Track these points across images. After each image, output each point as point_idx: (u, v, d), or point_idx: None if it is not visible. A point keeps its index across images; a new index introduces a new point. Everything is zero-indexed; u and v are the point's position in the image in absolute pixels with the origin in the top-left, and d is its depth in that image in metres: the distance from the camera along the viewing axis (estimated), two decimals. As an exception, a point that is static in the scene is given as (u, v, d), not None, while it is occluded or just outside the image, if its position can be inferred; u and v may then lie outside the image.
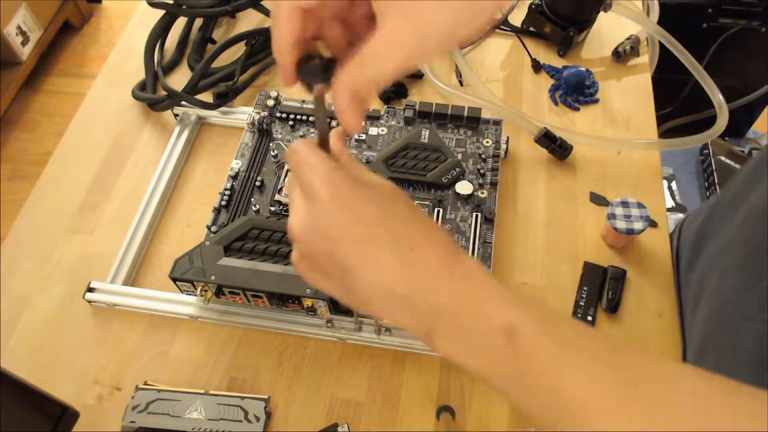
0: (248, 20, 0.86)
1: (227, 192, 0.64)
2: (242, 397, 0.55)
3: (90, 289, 0.62)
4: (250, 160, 0.66)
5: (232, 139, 0.73)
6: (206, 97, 0.74)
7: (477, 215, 0.62)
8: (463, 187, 0.63)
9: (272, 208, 0.63)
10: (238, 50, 0.79)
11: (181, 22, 0.83)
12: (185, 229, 0.67)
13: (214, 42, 0.83)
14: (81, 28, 2.07)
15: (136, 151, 0.74)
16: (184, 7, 0.78)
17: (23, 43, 1.79)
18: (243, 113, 0.74)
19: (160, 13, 0.81)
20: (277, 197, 0.63)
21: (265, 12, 0.80)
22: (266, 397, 0.55)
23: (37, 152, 1.77)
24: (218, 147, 0.74)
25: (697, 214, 0.67)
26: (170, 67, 0.80)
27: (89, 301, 0.62)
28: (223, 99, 0.74)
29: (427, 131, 0.67)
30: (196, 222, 0.67)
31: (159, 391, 0.55)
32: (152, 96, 0.75)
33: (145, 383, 0.57)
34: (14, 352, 0.60)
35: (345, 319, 0.58)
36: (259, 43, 0.80)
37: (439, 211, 0.62)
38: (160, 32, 0.81)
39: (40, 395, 0.48)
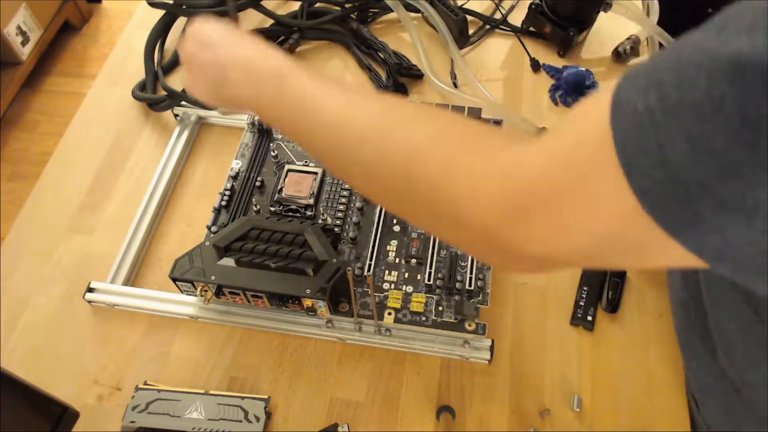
0: (248, 21, 0.86)
1: (227, 192, 0.64)
2: (242, 397, 0.55)
3: (90, 289, 0.62)
4: (250, 160, 0.66)
5: (232, 139, 0.73)
6: (206, 97, 0.74)
7: None
8: None
9: (272, 208, 0.63)
10: (238, 50, 0.79)
11: (181, 22, 0.83)
12: (185, 229, 0.67)
13: (214, 42, 0.83)
14: (81, 28, 2.07)
15: (136, 151, 0.74)
16: (184, 6, 0.78)
17: (23, 43, 1.79)
18: (243, 113, 0.74)
19: (160, 13, 0.81)
20: (277, 197, 0.63)
21: (266, 12, 0.80)
22: (266, 397, 0.55)
23: (37, 152, 1.77)
24: (218, 147, 0.74)
25: None
26: (170, 67, 0.80)
27: (89, 301, 0.62)
28: (223, 99, 0.74)
29: None
30: (196, 222, 0.67)
31: (159, 391, 0.55)
32: (152, 96, 0.75)
33: (145, 383, 0.57)
34: (14, 352, 0.60)
35: (345, 320, 0.58)
36: (259, 43, 0.80)
37: None
38: (160, 32, 0.81)
39: (40, 395, 0.48)
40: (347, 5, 0.83)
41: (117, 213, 0.69)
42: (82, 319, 0.62)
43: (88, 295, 0.61)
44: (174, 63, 0.81)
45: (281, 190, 0.64)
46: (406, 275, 0.60)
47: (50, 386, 0.50)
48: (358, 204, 0.64)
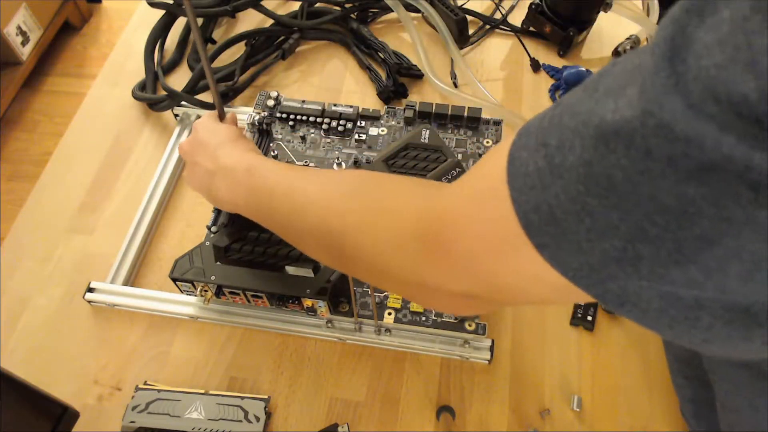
0: (248, 20, 0.86)
1: None
2: (242, 397, 0.55)
3: (90, 289, 0.62)
4: (250, 160, 0.66)
5: (232, 139, 0.73)
6: (206, 97, 0.74)
7: None
8: None
9: None
10: (238, 50, 0.79)
11: (181, 22, 0.83)
12: (185, 229, 0.67)
13: (214, 42, 0.83)
14: (81, 28, 2.07)
15: (136, 151, 0.74)
16: (183, 6, 0.78)
17: (23, 43, 1.79)
18: (243, 113, 0.74)
19: (160, 13, 0.81)
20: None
21: (266, 12, 0.80)
22: (266, 397, 0.55)
23: (37, 152, 1.77)
24: (218, 147, 0.74)
25: None
26: (170, 67, 0.80)
27: (89, 301, 0.62)
28: (223, 99, 0.74)
29: (428, 131, 0.67)
30: (196, 222, 0.67)
31: (159, 391, 0.55)
32: (152, 96, 0.75)
33: (145, 383, 0.57)
34: (14, 352, 0.60)
35: (345, 320, 0.58)
36: (259, 43, 0.80)
37: None
38: (160, 32, 0.81)
39: (40, 395, 0.48)
40: (347, 5, 0.83)
41: (117, 213, 0.69)
42: (82, 319, 0.62)
43: (88, 295, 0.61)
44: (174, 63, 0.81)
45: None
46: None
47: (50, 386, 0.50)
48: None
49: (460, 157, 0.66)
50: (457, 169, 0.64)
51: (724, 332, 0.26)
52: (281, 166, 0.49)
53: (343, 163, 0.66)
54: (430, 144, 0.66)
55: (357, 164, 0.66)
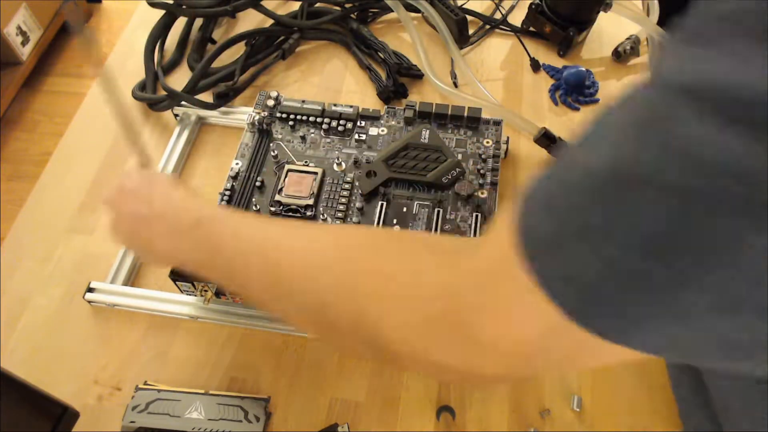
0: (248, 20, 0.86)
1: (227, 192, 0.64)
2: (242, 397, 0.55)
3: (90, 290, 0.62)
4: (250, 160, 0.66)
5: (233, 140, 0.73)
6: (206, 97, 0.74)
7: (477, 215, 0.62)
8: (463, 188, 0.63)
9: (272, 209, 0.63)
10: (238, 50, 0.79)
11: (181, 22, 0.83)
12: (185, 229, 0.67)
13: (214, 42, 0.83)
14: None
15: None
16: (184, 7, 0.78)
17: (23, 43, 1.79)
18: (243, 113, 0.74)
19: (160, 13, 0.81)
20: (277, 197, 0.63)
21: (266, 12, 0.80)
22: (266, 397, 0.55)
23: (37, 152, 1.77)
24: (218, 147, 0.74)
25: None
26: (170, 67, 0.80)
27: (89, 302, 0.62)
28: (223, 99, 0.74)
29: (428, 131, 0.67)
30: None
31: (159, 391, 0.55)
32: (152, 96, 0.75)
33: (145, 383, 0.57)
34: (14, 352, 0.60)
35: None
36: (259, 43, 0.80)
37: (439, 211, 0.62)
38: (160, 32, 0.81)
39: (40, 395, 0.48)
40: (347, 5, 0.83)
41: (117, 213, 0.68)
42: (82, 319, 0.62)
43: (88, 295, 0.61)
44: (174, 63, 0.81)
45: (281, 190, 0.64)
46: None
47: (50, 386, 0.50)
48: (358, 204, 0.64)
49: (460, 157, 0.66)
50: (457, 169, 0.64)
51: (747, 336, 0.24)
52: (241, 220, 0.44)
53: (343, 163, 0.66)
54: (430, 144, 0.66)
55: (357, 164, 0.66)
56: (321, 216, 0.63)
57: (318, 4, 0.83)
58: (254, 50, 0.79)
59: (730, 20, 0.21)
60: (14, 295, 0.63)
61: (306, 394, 0.57)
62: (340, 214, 0.63)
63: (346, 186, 0.65)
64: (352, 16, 0.84)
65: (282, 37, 0.82)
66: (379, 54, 0.80)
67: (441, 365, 0.32)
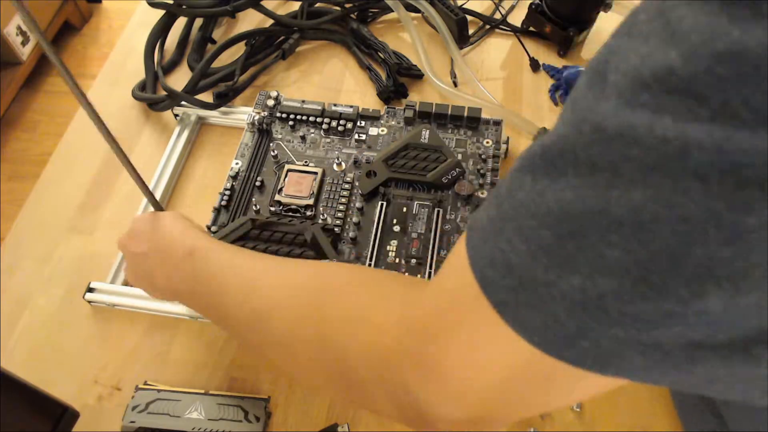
0: (248, 20, 0.86)
1: (227, 192, 0.64)
2: (242, 397, 0.55)
3: (90, 290, 0.62)
4: (250, 160, 0.66)
5: (232, 139, 0.73)
6: (206, 97, 0.74)
7: None
8: (463, 188, 0.63)
9: (272, 209, 0.63)
10: (238, 50, 0.79)
11: (181, 22, 0.83)
12: (185, 229, 0.67)
13: (214, 42, 0.83)
14: (81, 28, 2.07)
15: (136, 150, 0.74)
16: (184, 6, 0.78)
17: (23, 43, 1.79)
18: (243, 113, 0.74)
19: (161, 12, 0.81)
20: (277, 197, 0.63)
21: (265, 12, 0.80)
22: (266, 397, 0.55)
23: (38, 152, 1.77)
24: (218, 147, 0.74)
25: None
26: (170, 67, 0.80)
27: (89, 302, 0.62)
28: (223, 99, 0.74)
29: (428, 131, 0.67)
30: (196, 222, 0.67)
31: (159, 391, 0.55)
32: (152, 96, 0.75)
33: (145, 383, 0.57)
34: (14, 352, 0.60)
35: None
36: (259, 43, 0.80)
37: (439, 211, 0.62)
38: (160, 32, 0.81)
39: (40, 395, 0.48)
40: (347, 5, 0.83)
41: (117, 213, 0.69)
42: (82, 319, 0.62)
43: (88, 295, 0.61)
44: (174, 63, 0.81)
45: (281, 190, 0.64)
46: (406, 275, 0.60)
47: (50, 386, 0.50)
48: (358, 204, 0.64)
49: (459, 157, 0.66)
50: (457, 169, 0.64)
51: (725, 372, 0.22)
52: (231, 252, 0.45)
53: (343, 163, 0.66)
54: (430, 144, 0.66)
55: (357, 164, 0.66)
56: (321, 216, 0.63)
57: (318, 4, 0.83)
58: (254, 50, 0.79)
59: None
60: (14, 295, 0.63)
61: (306, 393, 0.57)
62: (340, 215, 0.63)
63: (346, 186, 0.65)
64: (352, 16, 0.84)
65: (282, 37, 0.82)
66: (379, 54, 0.80)
67: (401, 398, 0.31)
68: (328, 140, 0.69)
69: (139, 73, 0.79)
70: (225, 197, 0.64)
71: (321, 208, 0.64)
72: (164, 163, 0.70)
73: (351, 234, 0.62)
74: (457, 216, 0.63)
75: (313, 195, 0.63)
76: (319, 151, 0.68)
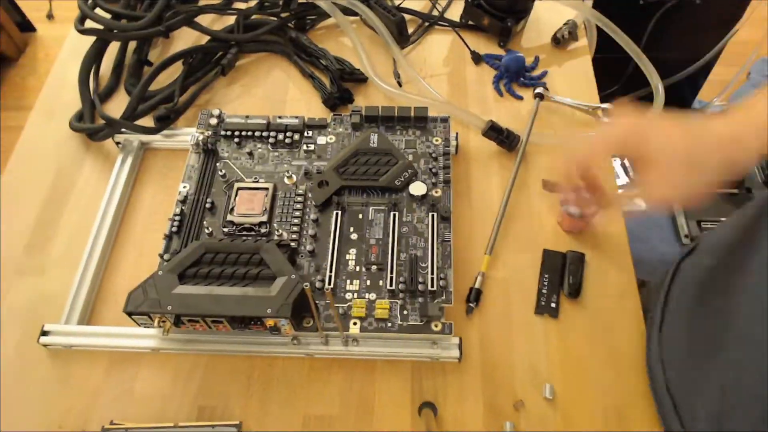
0: (183, 39, 0.84)
1: (177, 217, 0.63)
2: (213, 426, 0.54)
3: (44, 333, 0.59)
4: (198, 182, 0.65)
5: (178, 162, 0.71)
6: (147, 121, 0.72)
7: (433, 215, 0.62)
8: (417, 188, 0.63)
9: (225, 229, 0.62)
10: (176, 70, 0.77)
11: (114, 47, 0.81)
12: (138, 259, 0.66)
13: (150, 64, 0.81)
14: (17, 59, 2.00)
15: (79, 183, 0.71)
16: (115, 31, 0.76)
17: (-43, 80, 1.73)
18: (186, 134, 0.72)
19: (92, 39, 0.78)
20: (229, 217, 0.62)
21: (200, 29, 0.78)
22: (237, 422, 0.54)
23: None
24: (164, 171, 0.72)
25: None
26: (107, 94, 0.78)
27: (45, 345, 0.59)
28: (165, 122, 0.72)
29: (376, 135, 0.66)
30: (149, 251, 0.66)
31: (126, 429, 0.54)
32: (90, 126, 0.73)
33: (111, 423, 0.55)
34: (-30, 406, 0.57)
35: (311, 335, 0.57)
36: (197, 61, 0.78)
37: (395, 214, 0.62)
38: (93, 59, 0.78)
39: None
40: (284, 15, 0.82)
41: (65, 250, 0.66)
42: (40, 364, 0.60)
43: (43, 339, 0.59)
44: (111, 89, 0.79)
45: (233, 209, 0.63)
46: (368, 282, 0.59)
47: (10, 439, 0.48)
48: (312, 216, 0.63)
49: (410, 157, 0.66)
50: (409, 170, 0.64)
51: None
52: None
53: (293, 176, 0.65)
54: (380, 148, 0.65)
55: (308, 175, 0.66)
56: (276, 232, 0.62)
57: (254, 16, 0.82)
58: (192, 69, 0.78)
59: None
60: (-35, 346, 0.61)
61: (278, 414, 0.56)
62: (295, 228, 0.62)
63: (299, 198, 0.64)
64: (290, 25, 0.83)
65: (220, 53, 0.80)
66: (321, 61, 0.79)
67: None
68: (276, 154, 0.68)
69: (75, 103, 0.76)
70: (175, 222, 0.62)
71: (275, 224, 0.63)
72: (110, 194, 0.68)
73: (308, 247, 0.61)
74: (413, 217, 0.62)
75: (266, 211, 0.62)
76: (268, 165, 0.67)
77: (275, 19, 0.81)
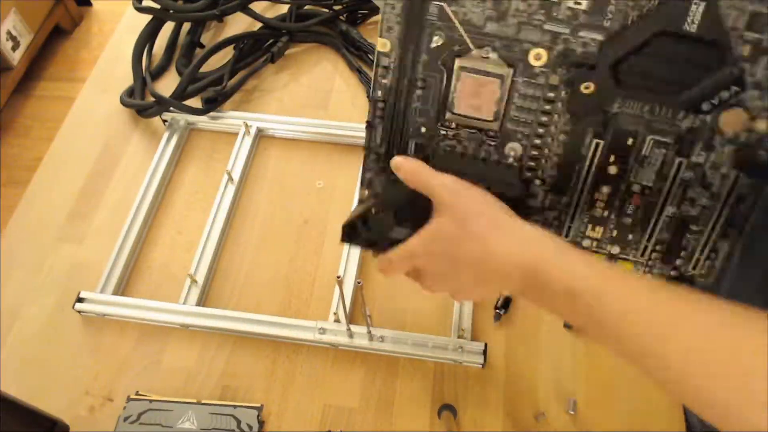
0: (236, 24, 0.85)
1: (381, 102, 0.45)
2: (235, 406, 0.55)
3: (80, 299, 0.61)
4: (401, 40, 0.42)
5: (222, 145, 0.73)
6: (195, 102, 0.73)
7: (738, 175, 0.40)
8: (732, 120, 0.38)
9: (444, 132, 0.44)
10: (227, 54, 0.78)
11: (169, 27, 0.82)
12: (175, 237, 0.67)
13: (202, 46, 0.82)
14: (72, 31, 2.06)
15: (125, 157, 0.73)
16: (171, 11, 0.77)
17: (14, 48, 1.78)
18: (232, 118, 0.73)
19: (148, 17, 0.80)
20: (447, 115, 0.42)
21: (254, 15, 0.79)
22: (259, 405, 0.55)
23: (30, 158, 1.76)
24: (209, 152, 0.73)
25: None
26: (158, 73, 0.80)
27: (79, 312, 0.61)
28: (212, 104, 0.73)
29: (700, 7, 0.36)
30: (187, 229, 0.67)
31: (151, 401, 0.55)
32: (140, 102, 0.74)
33: (137, 393, 0.56)
34: (5, 364, 0.59)
35: (336, 327, 0.58)
36: (248, 47, 0.80)
37: (680, 162, 0.40)
38: (147, 37, 0.80)
39: (28, 411, 0.48)
40: (336, 7, 0.82)
41: (107, 221, 0.68)
42: (73, 330, 0.61)
43: (78, 306, 0.61)
44: (162, 68, 0.80)
45: (452, 102, 0.42)
46: (614, 233, 0.46)
47: (41, 398, 0.50)
48: (562, 124, 0.42)
49: (748, 66, 0.36)
50: (733, 87, 0.37)
51: None
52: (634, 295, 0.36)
53: (543, 54, 0.40)
54: (701, 34, 0.36)
55: (567, 58, 0.40)
56: (508, 143, 0.43)
57: (307, 7, 0.83)
58: (243, 54, 0.79)
59: None
60: (5, 305, 0.63)
61: (299, 401, 0.57)
62: (537, 141, 0.42)
63: (550, 95, 0.41)
64: (341, 18, 0.83)
65: (271, 41, 0.81)
66: (369, 56, 0.79)
67: None
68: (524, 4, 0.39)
69: (127, 79, 0.78)
70: (379, 105, 0.45)
71: (508, 128, 0.42)
72: (153, 170, 0.70)
73: (550, 171, 0.44)
74: (707, 158, 0.40)
75: (498, 118, 0.42)
76: (506, 26, 0.39)
77: (327, 11, 0.82)
